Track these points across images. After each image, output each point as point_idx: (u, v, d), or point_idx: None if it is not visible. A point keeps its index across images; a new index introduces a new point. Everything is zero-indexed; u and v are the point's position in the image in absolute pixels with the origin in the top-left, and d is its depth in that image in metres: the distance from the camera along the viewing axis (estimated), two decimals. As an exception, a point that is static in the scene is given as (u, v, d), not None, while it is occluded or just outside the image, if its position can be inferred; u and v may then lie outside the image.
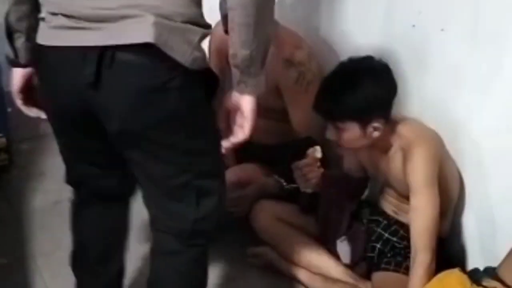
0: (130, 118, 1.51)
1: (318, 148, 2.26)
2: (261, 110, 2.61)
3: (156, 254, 1.82)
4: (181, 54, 1.46)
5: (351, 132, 2.05)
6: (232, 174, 2.49)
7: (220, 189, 1.73)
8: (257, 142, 2.69)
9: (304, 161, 2.27)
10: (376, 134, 2.06)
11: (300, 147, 2.50)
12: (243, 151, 2.68)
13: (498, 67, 2.00)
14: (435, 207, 2.03)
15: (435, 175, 2.04)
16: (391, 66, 2.12)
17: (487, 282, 1.82)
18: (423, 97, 2.29)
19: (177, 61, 1.46)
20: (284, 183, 2.43)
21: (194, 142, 1.61)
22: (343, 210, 2.36)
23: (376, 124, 2.04)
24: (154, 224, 1.77)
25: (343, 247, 2.35)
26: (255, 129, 2.67)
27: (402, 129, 2.11)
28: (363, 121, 2.03)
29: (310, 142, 2.53)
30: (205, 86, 1.59)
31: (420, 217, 2.03)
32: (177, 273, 1.78)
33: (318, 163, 2.26)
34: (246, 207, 2.52)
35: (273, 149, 2.64)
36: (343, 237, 2.35)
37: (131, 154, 1.62)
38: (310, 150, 2.27)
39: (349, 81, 2.03)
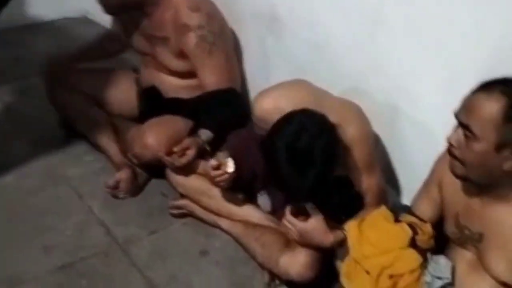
0: None
1: (230, 162, 2.20)
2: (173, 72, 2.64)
3: None
4: None
5: None
6: (162, 128, 2.48)
7: None
8: (172, 96, 2.69)
9: (215, 172, 2.21)
10: None
11: (224, 98, 2.51)
12: (161, 107, 2.67)
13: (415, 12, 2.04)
14: (382, 179, 2.15)
15: (374, 151, 2.12)
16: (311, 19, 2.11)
17: (404, 217, 1.91)
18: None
19: None
20: (208, 148, 2.42)
21: None
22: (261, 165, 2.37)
23: None
24: None
25: (263, 200, 2.36)
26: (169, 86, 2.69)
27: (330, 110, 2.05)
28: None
29: (233, 92, 2.55)
30: None
31: (375, 193, 2.13)
32: None
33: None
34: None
35: (193, 101, 2.61)
36: (262, 191, 2.36)
37: None
38: (221, 157, 2.22)
39: (309, 159, 1.87)
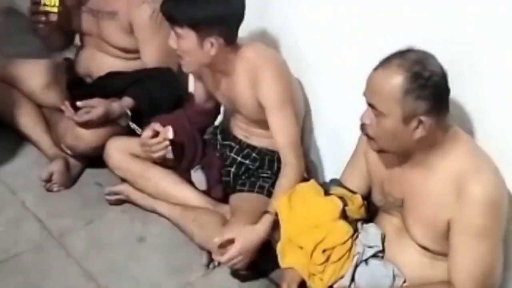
0: None
1: (170, 129, 2.22)
2: (117, 51, 2.60)
3: None
4: None
5: (188, 41, 2.06)
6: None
7: None
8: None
9: (152, 140, 2.24)
10: (213, 52, 2.06)
11: (160, 76, 2.51)
12: (90, 92, 2.62)
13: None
14: (295, 123, 2.11)
15: (289, 93, 2.10)
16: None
17: (334, 190, 1.93)
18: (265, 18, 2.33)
19: None
20: (130, 122, 2.41)
21: None
22: (195, 140, 2.37)
23: (213, 40, 2.05)
24: None
25: (198, 176, 2.35)
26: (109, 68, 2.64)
27: (245, 52, 2.13)
28: (201, 32, 2.04)
29: (171, 73, 2.54)
30: None
31: (284, 134, 2.09)
32: None
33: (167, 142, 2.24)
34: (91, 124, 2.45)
35: (128, 75, 2.57)
36: (197, 167, 2.36)
37: None
38: (158, 127, 2.23)
39: None
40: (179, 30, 2.05)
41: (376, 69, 1.65)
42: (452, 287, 1.66)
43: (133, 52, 2.59)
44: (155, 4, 2.47)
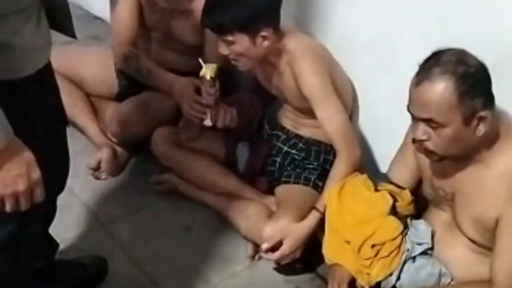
0: None
1: (214, 66, 2.21)
2: (183, 47, 2.60)
3: None
4: None
5: (241, 44, 2.03)
6: (142, 107, 2.55)
7: None
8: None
9: (199, 97, 2.27)
10: (266, 43, 2.05)
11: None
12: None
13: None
14: (342, 110, 2.08)
15: (329, 83, 2.07)
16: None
17: (381, 186, 1.90)
18: (313, 8, 2.31)
19: None
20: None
21: None
22: (253, 105, 2.42)
23: (264, 33, 2.03)
24: None
25: (241, 151, 2.38)
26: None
27: (288, 44, 2.11)
28: (252, 31, 2.01)
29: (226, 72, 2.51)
30: None
31: (333, 122, 2.07)
32: None
33: (216, 89, 2.23)
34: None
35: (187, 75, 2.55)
36: (245, 142, 2.38)
37: None
38: (202, 71, 2.23)
39: None
40: (229, 37, 2.02)
41: (419, 83, 1.60)
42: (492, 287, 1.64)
43: (198, 49, 2.56)
44: None
